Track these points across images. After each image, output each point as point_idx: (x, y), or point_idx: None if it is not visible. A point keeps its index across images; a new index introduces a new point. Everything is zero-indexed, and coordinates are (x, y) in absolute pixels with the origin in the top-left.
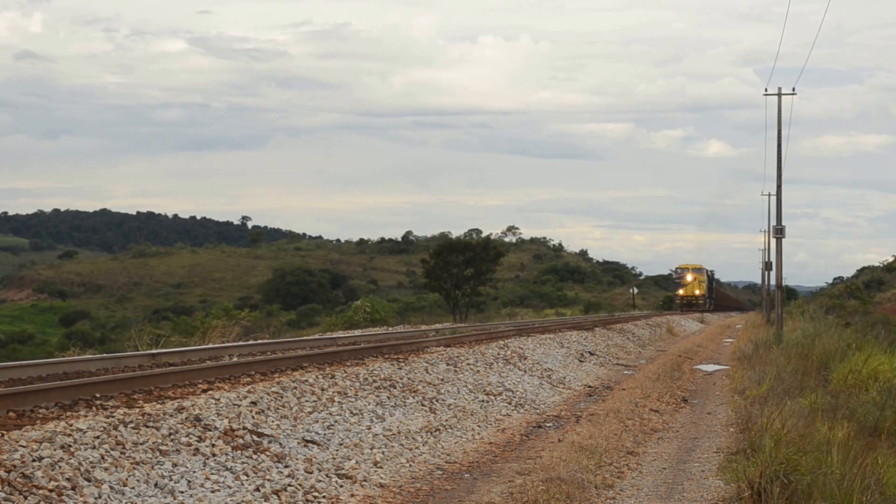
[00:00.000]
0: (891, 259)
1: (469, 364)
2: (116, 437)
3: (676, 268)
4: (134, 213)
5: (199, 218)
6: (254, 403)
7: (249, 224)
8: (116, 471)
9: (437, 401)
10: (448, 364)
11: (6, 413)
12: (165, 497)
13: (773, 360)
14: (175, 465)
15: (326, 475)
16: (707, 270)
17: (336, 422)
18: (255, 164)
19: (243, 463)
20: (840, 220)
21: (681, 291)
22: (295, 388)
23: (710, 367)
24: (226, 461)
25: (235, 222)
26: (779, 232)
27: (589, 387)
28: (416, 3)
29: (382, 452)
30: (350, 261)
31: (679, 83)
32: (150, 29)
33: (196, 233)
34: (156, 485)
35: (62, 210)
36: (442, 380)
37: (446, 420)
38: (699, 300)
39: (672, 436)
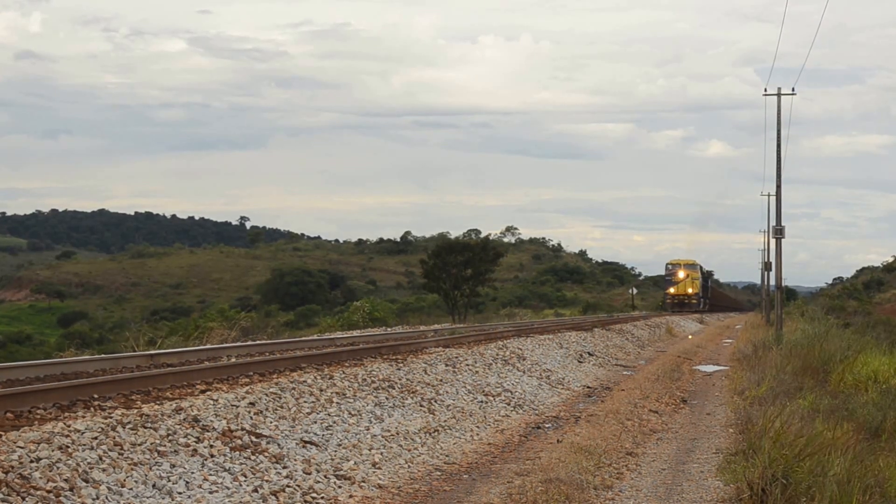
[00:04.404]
0: (891, 259)
1: (468, 365)
2: (114, 437)
3: (667, 263)
4: (132, 213)
5: (197, 218)
6: (252, 404)
7: (248, 224)
8: (114, 472)
9: (435, 401)
10: (447, 365)
11: (4, 414)
12: (163, 498)
13: (773, 361)
14: (173, 465)
15: (325, 476)
16: (702, 268)
17: (334, 422)
18: (255, 164)
19: (241, 464)
20: (840, 220)
21: (672, 290)
22: (293, 388)
23: (710, 368)
24: (224, 462)
25: (234, 222)
26: (778, 232)
27: (588, 387)
28: (416, 2)
29: (381, 453)
30: (349, 261)
31: (679, 83)
32: (149, 29)
33: (194, 233)
34: (154, 486)
35: (60, 210)
36: (441, 380)
37: (445, 421)
38: (692, 300)
39: (671, 437)
